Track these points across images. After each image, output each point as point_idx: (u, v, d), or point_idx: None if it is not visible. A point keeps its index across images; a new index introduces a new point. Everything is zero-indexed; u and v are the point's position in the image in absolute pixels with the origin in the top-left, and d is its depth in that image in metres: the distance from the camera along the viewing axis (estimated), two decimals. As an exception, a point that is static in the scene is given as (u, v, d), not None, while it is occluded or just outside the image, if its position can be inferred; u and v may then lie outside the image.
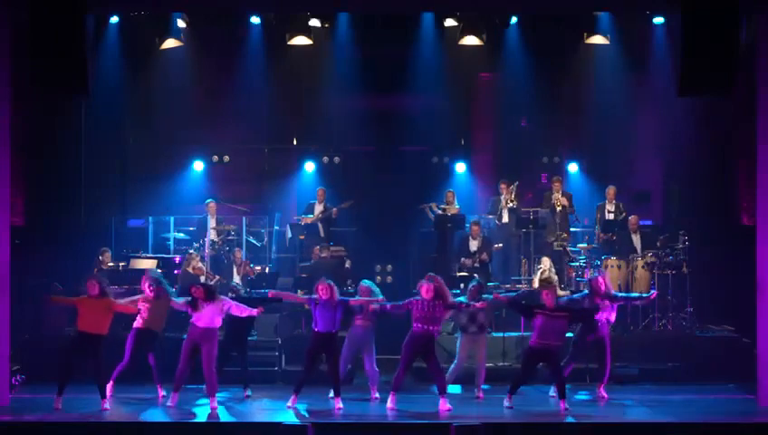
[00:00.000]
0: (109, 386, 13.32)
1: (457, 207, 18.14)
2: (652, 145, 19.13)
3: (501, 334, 15.38)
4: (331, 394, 13.42)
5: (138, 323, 13.72)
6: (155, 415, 13.12)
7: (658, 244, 16.73)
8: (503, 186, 17.97)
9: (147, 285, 13.75)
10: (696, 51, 12.62)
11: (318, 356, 13.37)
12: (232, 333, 14.09)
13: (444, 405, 12.92)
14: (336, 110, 19.21)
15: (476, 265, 16.92)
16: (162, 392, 13.79)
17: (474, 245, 17.13)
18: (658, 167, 19.35)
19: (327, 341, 13.23)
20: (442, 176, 19.61)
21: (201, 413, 12.95)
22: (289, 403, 13.18)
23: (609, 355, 13.95)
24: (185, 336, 13.37)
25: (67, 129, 17.23)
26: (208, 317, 13.10)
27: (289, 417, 12.65)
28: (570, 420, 12.60)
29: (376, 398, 13.82)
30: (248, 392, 14.14)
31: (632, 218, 17.13)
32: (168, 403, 13.22)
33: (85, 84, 12.67)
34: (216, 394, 13.13)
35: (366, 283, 13.95)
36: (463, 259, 17.09)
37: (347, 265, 16.99)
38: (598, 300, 13.81)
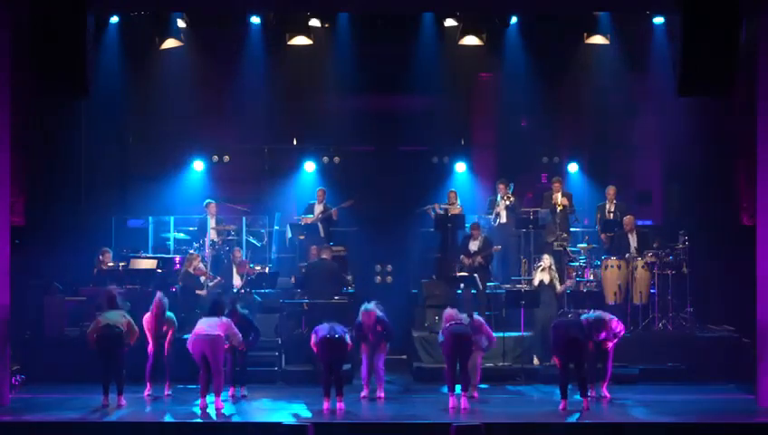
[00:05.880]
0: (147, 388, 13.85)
1: (460, 206, 18.12)
2: (652, 145, 19.11)
3: (501, 334, 15.37)
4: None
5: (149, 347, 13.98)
6: (155, 415, 13.13)
7: (655, 244, 16.72)
8: (501, 186, 17.96)
9: (156, 304, 13.93)
10: (695, 51, 12.62)
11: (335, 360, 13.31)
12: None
13: (465, 403, 13.15)
14: (336, 110, 19.17)
15: (475, 265, 16.90)
16: (163, 391, 13.88)
17: (474, 245, 17.11)
18: (658, 167, 19.33)
19: (343, 345, 13.27)
20: (442, 176, 19.57)
21: (202, 413, 12.98)
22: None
23: (611, 355, 13.95)
24: (186, 337, 13.38)
25: (67, 129, 17.22)
26: (213, 326, 13.16)
27: (289, 417, 12.67)
28: (570, 419, 12.60)
29: (380, 397, 13.87)
30: (245, 392, 14.15)
31: (626, 219, 17.10)
32: (200, 405, 13.21)
33: (85, 84, 12.68)
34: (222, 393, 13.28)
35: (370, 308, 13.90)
36: (462, 256, 17.08)
37: (348, 276, 16.94)
38: (595, 336, 13.68)
